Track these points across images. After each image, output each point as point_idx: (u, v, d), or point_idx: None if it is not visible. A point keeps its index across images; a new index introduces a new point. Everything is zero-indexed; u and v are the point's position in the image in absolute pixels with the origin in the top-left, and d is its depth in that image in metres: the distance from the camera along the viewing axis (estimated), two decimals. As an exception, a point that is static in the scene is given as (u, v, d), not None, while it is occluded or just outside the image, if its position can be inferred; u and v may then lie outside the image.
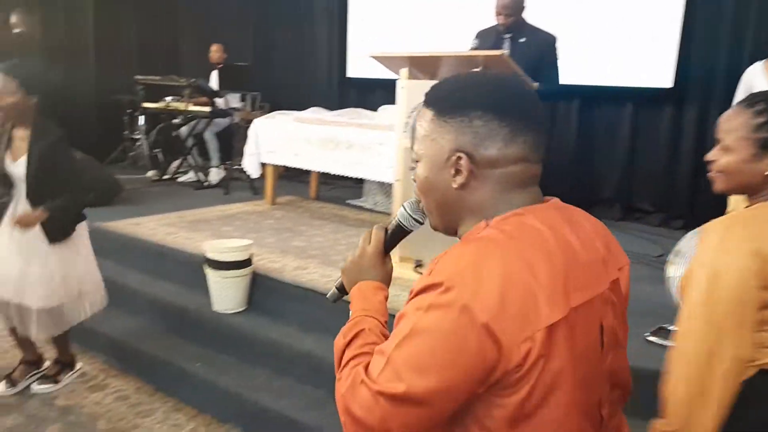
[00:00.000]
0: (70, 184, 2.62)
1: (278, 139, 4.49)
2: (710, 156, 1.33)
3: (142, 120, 6.25)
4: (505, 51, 3.10)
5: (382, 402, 0.79)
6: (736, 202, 3.61)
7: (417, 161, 0.93)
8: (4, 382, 2.78)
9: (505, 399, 0.78)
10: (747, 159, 1.25)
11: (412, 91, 3.07)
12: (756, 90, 3.23)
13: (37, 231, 2.59)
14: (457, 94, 0.89)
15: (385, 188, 4.73)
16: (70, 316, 2.75)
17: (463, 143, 0.86)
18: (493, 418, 0.79)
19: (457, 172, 0.87)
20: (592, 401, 0.86)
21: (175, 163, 5.88)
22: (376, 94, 5.78)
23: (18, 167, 2.57)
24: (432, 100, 0.91)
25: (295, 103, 5.71)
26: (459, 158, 0.86)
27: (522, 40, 3.27)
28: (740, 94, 3.31)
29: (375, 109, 4.80)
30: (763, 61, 3.14)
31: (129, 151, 6.50)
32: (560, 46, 3.30)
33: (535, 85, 2.90)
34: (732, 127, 1.27)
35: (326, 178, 5.15)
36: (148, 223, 4.06)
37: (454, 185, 0.88)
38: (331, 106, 5.48)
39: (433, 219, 0.96)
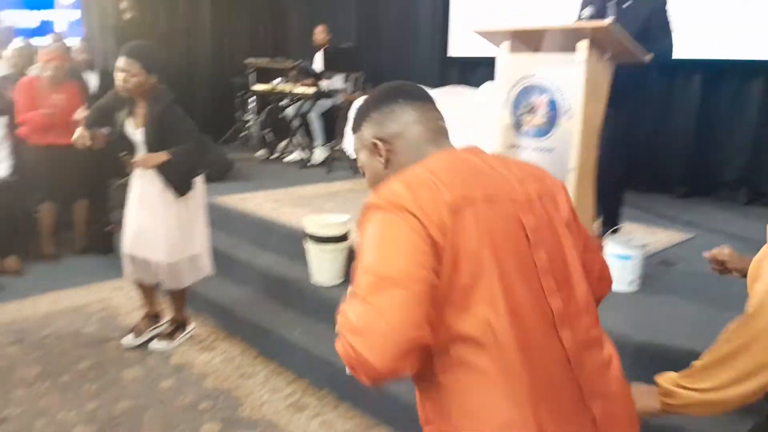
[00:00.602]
0: (187, 139, 2.87)
1: (379, 118, 4.52)
2: None
3: (252, 102, 6.56)
4: (610, 19, 2.91)
5: (348, 309, 0.92)
6: None
7: (362, 169, 1.21)
8: (131, 334, 3.09)
9: (444, 286, 0.93)
10: None
11: (512, 64, 2.98)
12: None
13: (162, 192, 2.86)
14: (357, 113, 1.20)
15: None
16: (188, 273, 3.02)
17: (373, 133, 1.15)
18: (444, 306, 0.94)
19: (379, 155, 1.14)
20: (532, 291, 0.98)
21: (282, 143, 6.12)
22: (477, 72, 5.66)
23: (140, 134, 2.85)
24: (352, 128, 1.23)
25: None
26: (375, 144, 1.14)
27: (627, 3, 3.04)
28: None
29: (477, 87, 4.70)
30: None
31: (240, 131, 6.85)
32: (672, 9, 3.02)
33: (648, 57, 2.70)
34: None
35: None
36: (255, 199, 4.27)
37: (383, 167, 1.14)
38: (433, 85, 5.44)
39: None
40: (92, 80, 5.19)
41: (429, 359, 0.96)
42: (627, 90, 2.93)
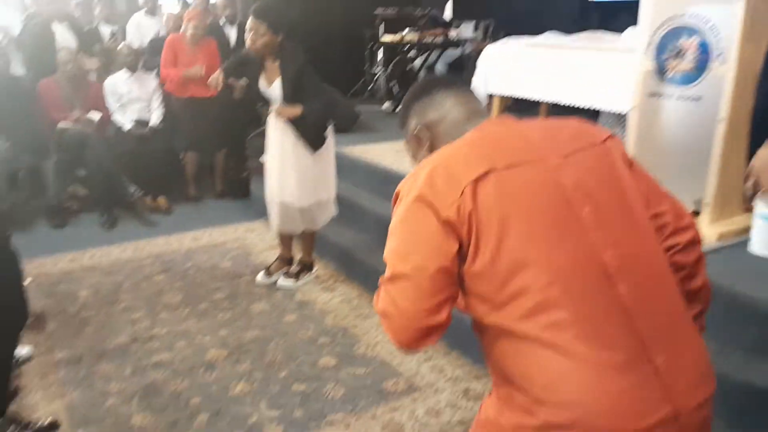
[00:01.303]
0: (320, 95, 2.99)
1: (507, 67, 4.33)
2: None
3: (380, 54, 6.58)
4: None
5: (383, 291, 1.04)
6: None
7: (413, 161, 1.25)
8: (263, 272, 3.32)
9: (474, 264, 0.97)
10: None
11: (660, 3, 2.69)
12: None
13: (296, 143, 3.00)
14: (400, 113, 1.27)
15: (623, 121, 4.30)
16: (319, 216, 3.18)
17: (416, 123, 1.21)
18: (478, 279, 0.98)
19: (424, 142, 1.20)
20: (577, 248, 0.97)
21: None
22: (620, 17, 5.19)
23: (273, 90, 2.98)
24: (399, 125, 1.29)
25: (533, 30, 5.44)
26: (419, 133, 1.20)
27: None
28: None
29: (620, 33, 4.33)
30: None
31: (368, 84, 6.92)
32: None
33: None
34: None
35: (557, 110, 4.87)
36: (378, 149, 4.33)
37: (428, 152, 1.17)
38: (571, 31, 5.10)
39: None
40: (233, 34, 5.50)
41: (481, 329, 1.03)
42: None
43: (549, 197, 0.99)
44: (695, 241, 1.13)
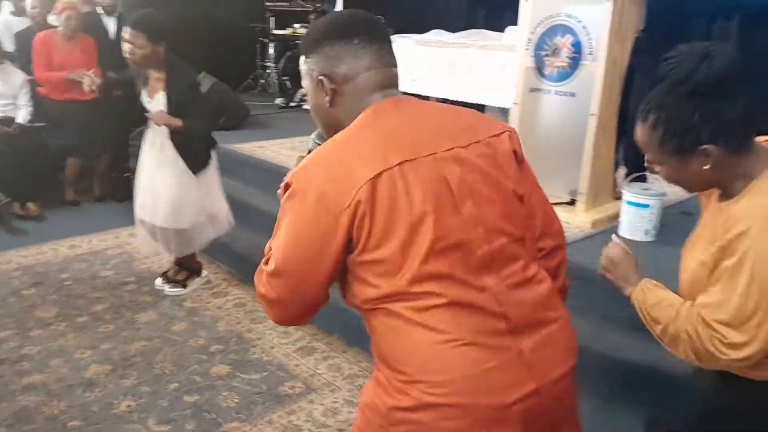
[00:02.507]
0: (204, 117, 2.86)
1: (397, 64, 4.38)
2: (657, 170, 1.19)
3: (272, 48, 6.44)
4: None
5: (266, 278, 1.05)
6: None
7: (306, 96, 1.18)
8: (161, 278, 3.14)
9: (366, 255, 0.98)
10: (677, 167, 1.14)
11: (537, 3, 2.82)
12: None
13: (176, 159, 2.83)
14: (310, 35, 1.14)
15: (507, 115, 4.50)
16: (197, 239, 3.02)
17: (322, 69, 1.09)
18: (367, 270, 1.00)
19: (325, 93, 1.10)
20: (458, 241, 0.99)
21: (302, 91, 6.02)
22: (504, 15, 5.42)
23: (154, 104, 2.81)
24: (301, 48, 1.16)
25: (422, 28, 5.52)
26: (321, 81, 1.09)
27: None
28: None
29: (502, 31, 4.51)
30: None
31: (260, 78, 6.75)
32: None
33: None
34: (645, 143, 1.17)
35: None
36: (271, 147, 4.23)
37: (327, 104, 1.10)
38: (458, 29, 5.24)
39: (328, 137, 1.12)
40: (111, 25, 5.13)
41: (364, 312, 1.05)
42: (666, 38, 2.76)
43: (437, 193, 1.00)
44: (559, 247, 1.19)
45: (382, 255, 0.98)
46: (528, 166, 1.16)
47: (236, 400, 2.27)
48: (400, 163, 0.99)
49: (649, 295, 1.18)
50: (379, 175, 0.97)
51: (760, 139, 1.17)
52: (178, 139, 2.80)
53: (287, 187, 1.04)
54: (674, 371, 1.86)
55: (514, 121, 2.99)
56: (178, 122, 2.74)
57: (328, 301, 1.08)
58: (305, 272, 1.02)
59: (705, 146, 1.08)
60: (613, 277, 1.25)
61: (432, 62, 4.16)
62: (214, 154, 2.99)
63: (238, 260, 3.31)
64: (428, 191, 0.99)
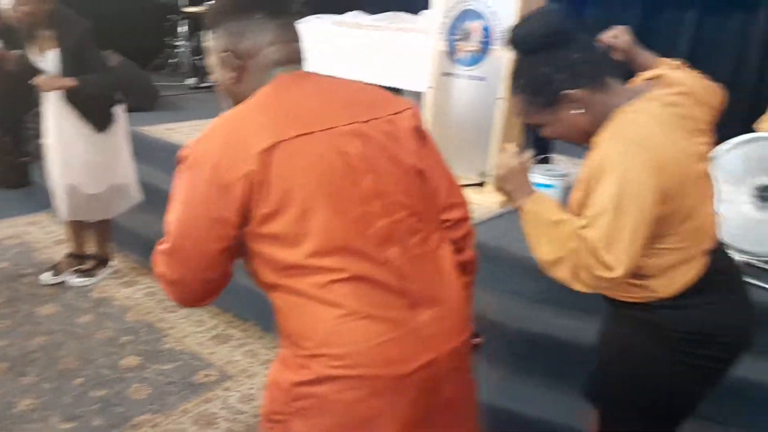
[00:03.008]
0: (103, 69, 2.70)
1: (312, 45, 4.32)
2: (542, 132, 1.30)
3: (183, 26, 6.16)
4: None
5: (162, 256, 1.06)
6: None
7: (212, 71, 1.15)
8: (51, 271, 2.94)
9: (263, 227, 0.99)
10: (555, 121, 1.23)
11: (448, -12, 2.86)
12: None
13: (77, 123, 2.67)
14: (213, 11, 1.13)
15: (422, 98, 4.55)
16: (114, 203, 2.87)
17: (226, 44, 1.09)
18: (266, 243, 1.00)
19: (230, 68, 1.09)
20: (357, 215, 1.02)
21: (215, 70, 5.82)
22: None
23: (46, 62, 2.61)
24: (206, 22, 1.14)
25: (340, 7, 5.45)
26: (225, 57, 1.09)
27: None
28: None
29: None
30: None
31: (170, 57, 6.45)
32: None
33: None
34: (522, 112, 1.27)
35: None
36: (182, 129, 4.07)
37: (233, 80, 1.10)
38: (375, 10, 5.22)
39: None
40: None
41: (267, 288, 1.06)
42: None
43: (334, 166, 1.02)
44: (464, 218, 1.22)
45: (278, 228, 0.98)
46: (432, 141, 1.19)
47: (148, 392, 2.20)
48: (296, 136, 1.00)
49: (541, 208, 1.22)
50: (274, 146, 0.97)
51: (637, 79, 1.28)
52: (75, 99, 2.63)
53: (181, 159, 1.03)
54: (577, 341, 1.99)
55: (428, 105, 3.04)
56: (70, 82, 2.57)
57: (232, 278, 1.08)
58: (201, 246, 1.01)
59: (566, 91, 1.18)
60: (509, 187, 1.27)
61: (349, 44, 4.13)
62: (123, 114, 2.83)
63: (148, 248, 3.15)
64: (325, 165, 1.01)
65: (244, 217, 0.99)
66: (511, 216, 2.69)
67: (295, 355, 1.02)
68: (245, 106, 1.05)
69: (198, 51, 6.03)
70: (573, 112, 1.20)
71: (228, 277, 1.09)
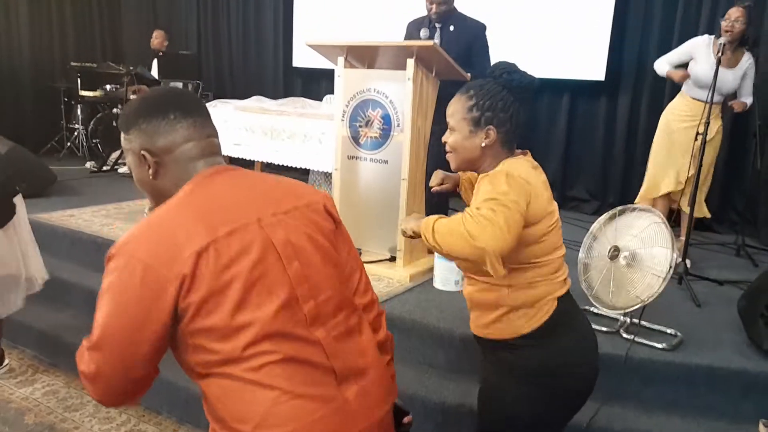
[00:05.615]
0: None
1: (218, 128, 4.40)
2: (444, 137, 1.51)
3: (80, 109, 6.05)
4: (435, 41, 3.15)
5: (86, 354, 1.06)
6: (647, 190, 3.87)
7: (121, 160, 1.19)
8: None
9: (198, 323, 1.01)
10: (465, 136, 1.45)
11: (349, 79, 3.09)
12: (696, 56, 3.46)
13: None
14: (126, 113, 1.18)
15: (330, 178, 4.72)
16: (9, 301, 2.69)
17: (141, 144, 1.14)
18: (201, 336, 1.02)
19: (148, 166, 1.14)
20: (287, 300, 1.07)
21: (115, 154, 5.71)
22: (321, 83, 5.76)
23: None
24: (120, 125, 1.20)
25: (241, 93, 5.61)
26: (143, 155, 1.13)
27: (451, 28, 3.30)
28: (676, 55, 3.62)
29: (320, 99, 4.78)
30: (712, 37, 3.48)
31: (67, 141, 6.28)
32: (490, 35, 3.33)
33: (468, 75, 2.95)
34: (454, 111, 1.47)
35: (272, 169, 5.10)
36: (83, 215, 3.95)
37: (151, 177, 1.15)
38: (277, 95, 5.42)
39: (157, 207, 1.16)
40: None
41: (199, 377, 1.08)
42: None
43: (265, 256, 1.07)
44: (374, 301, 1.33)
45: (212, 322, 1.02)
46: (344, 227, 1.28)
47: (50, 501, 2.05)
48: (228, 233, 1.05)
49: (433, 218, 1.39)
50: (206, 247, 1.02)
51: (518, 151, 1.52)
52: None
53: (110, 258, 1.04)
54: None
55: (335, 186, 3.19)
56: None
57: (158, 374, 1.09)
58: (129, 344, 1.02)
59: (491, 127, 1.41)
60: (412, 224, 1.45)
61: (254, 128, 4.26)
62: (21, 205, 2.72)
63: (46, 342, 3.01)
64: (255, 256, 1.06)
65: (177, 316, 1.02)
66: (420, 288, 2.85)
67: None
68: (172, 205, 1.09)
69: (96, 134, 5.93)
70: (482, 143, 1.42)
71: (154, 374, 1.09)
